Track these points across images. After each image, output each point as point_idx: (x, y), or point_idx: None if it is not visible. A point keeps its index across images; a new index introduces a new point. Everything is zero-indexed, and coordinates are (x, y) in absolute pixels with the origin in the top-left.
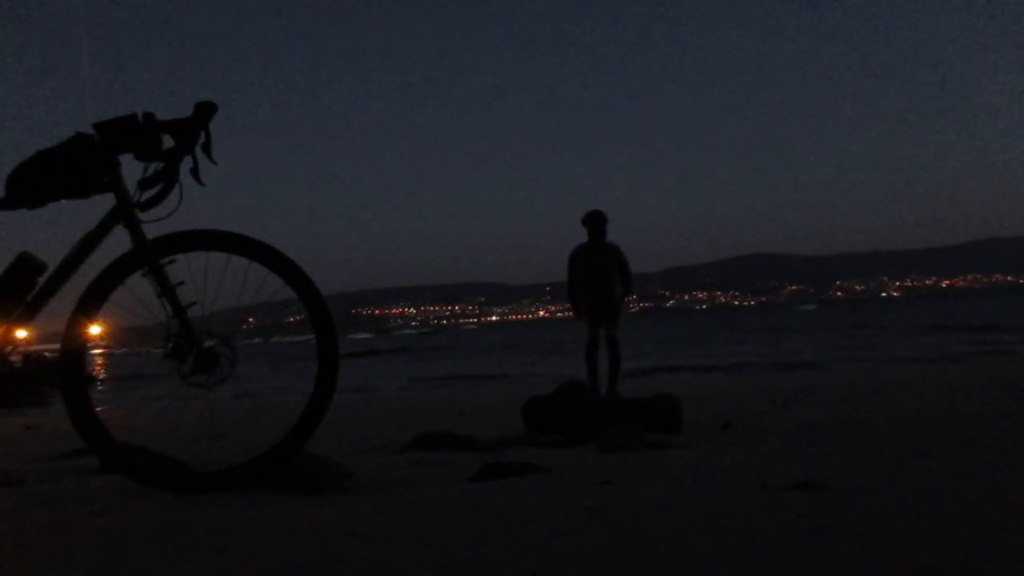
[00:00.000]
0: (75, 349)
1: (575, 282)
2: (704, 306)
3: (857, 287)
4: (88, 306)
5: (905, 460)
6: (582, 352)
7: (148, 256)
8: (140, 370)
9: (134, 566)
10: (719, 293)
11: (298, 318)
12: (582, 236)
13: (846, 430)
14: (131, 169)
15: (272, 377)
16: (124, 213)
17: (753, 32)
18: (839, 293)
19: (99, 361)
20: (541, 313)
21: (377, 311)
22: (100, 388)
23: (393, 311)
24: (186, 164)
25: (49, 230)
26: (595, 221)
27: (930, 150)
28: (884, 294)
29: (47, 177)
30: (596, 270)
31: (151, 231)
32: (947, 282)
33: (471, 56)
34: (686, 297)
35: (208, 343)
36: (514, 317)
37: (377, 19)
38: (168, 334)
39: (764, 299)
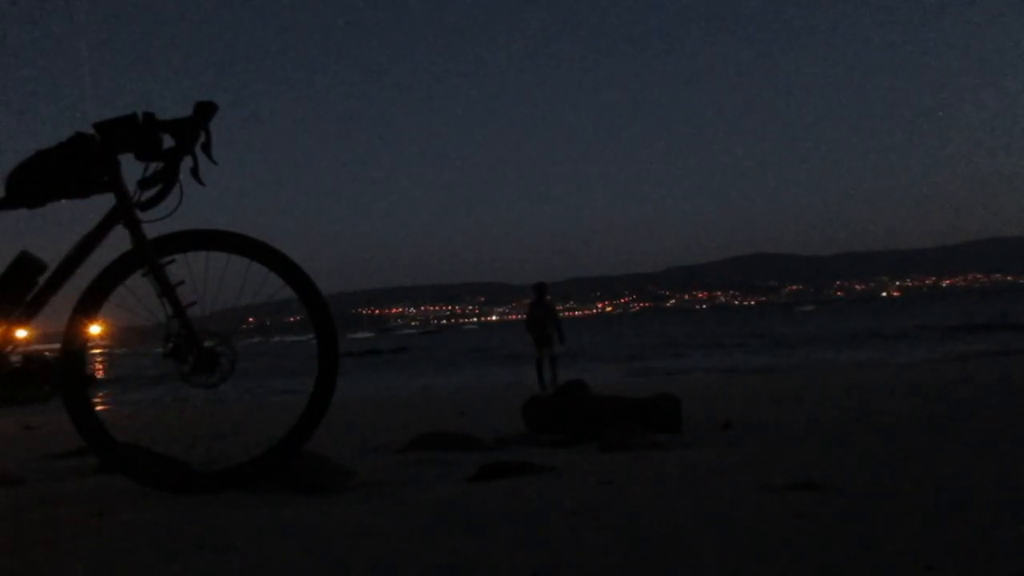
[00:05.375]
0: (75, 349)
1: (530, 323)
2: (704, 306)
3: (857, 287)
4: (88, 306)
5: (905, 460)
6: (534, 363)
7: (148, 256)
8: (140, 370)
9: (134, 566)
10: (719, 293)
11: (298, 318)
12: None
13: (846, 430)
14: (131, 169)
15: (272, 377)
16: (124, 213)
17: (753, 31)
18: (839, 293)
19: (99, 361)
20: None
21: (377, 311)
22: (99, 388)
23: (393, 311)
24: (186, 164)
25: (49, 230)
26: (539, 289)
27: (930, 150)
28: (884, 294)
29: (47, 177)
30: (540, 320)
31: (151, 231)
32: (947, 282)
33: (471, 56)
34: (686, 297)
35: (208, 343)
36: (513, 317)
37: (378, 18)
38: (168, 334)
39: (764, 299)
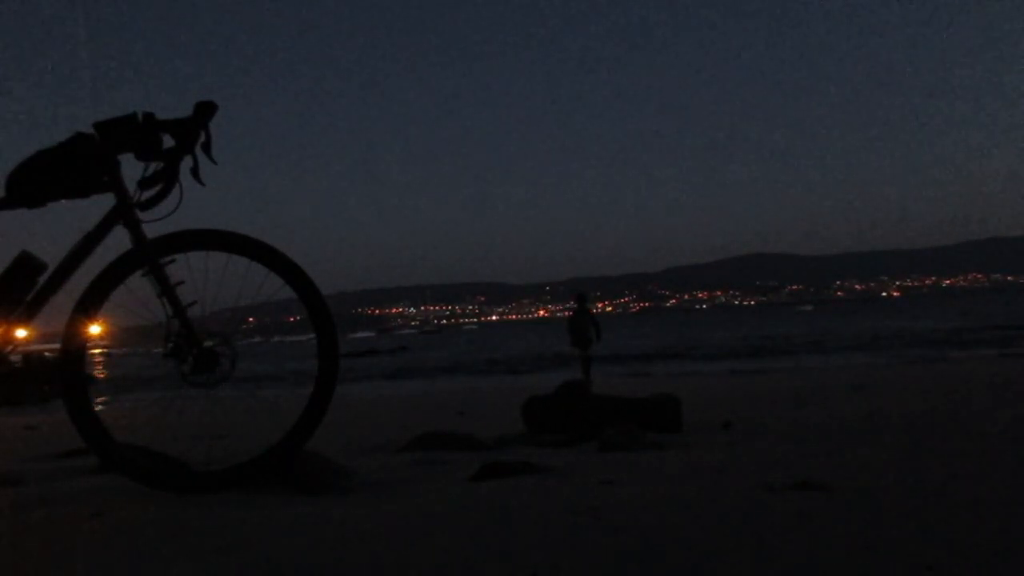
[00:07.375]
0: (75, 349)
1: (572, 329)
2: (704, 306)
3: (857, 287)
4: (88, 306)
5: (905, 460)
6: (577, 363)
7: (148, 256)
8: (140, 370)
9: (134, 566)
10: (719, 293)
11: (298, 318)
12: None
13: (846, 430)
14: (131, 169)
15: (272, 376)
16: (124, 213)
17: (754, 32)
18: (839, 293)
19: (99, 361)
20: (541, 312)
21: (377, 311)
22: (99, 388)
23: (393, 311)
24: (186, 164)
25: (49, 230)
26: (580, 298)
27: (931, 150)
28: (884, 294)
29: (47, 177)
30: (581, 326)
31: (151, 231)
32: (947, 282)
33: (471, 56)
34: (686, 296)
35: (208, 343)
36: (512, 317)
37: (378, 18)
38: (168, 334)
39: (764, 299)
